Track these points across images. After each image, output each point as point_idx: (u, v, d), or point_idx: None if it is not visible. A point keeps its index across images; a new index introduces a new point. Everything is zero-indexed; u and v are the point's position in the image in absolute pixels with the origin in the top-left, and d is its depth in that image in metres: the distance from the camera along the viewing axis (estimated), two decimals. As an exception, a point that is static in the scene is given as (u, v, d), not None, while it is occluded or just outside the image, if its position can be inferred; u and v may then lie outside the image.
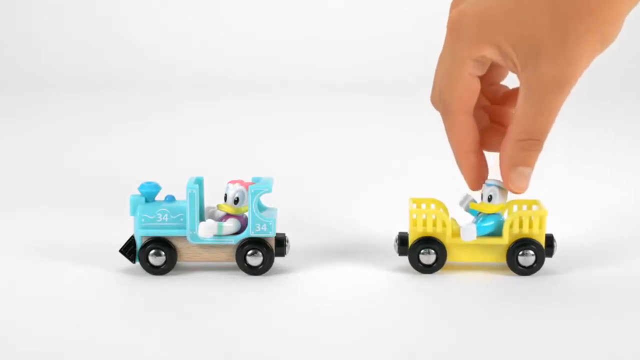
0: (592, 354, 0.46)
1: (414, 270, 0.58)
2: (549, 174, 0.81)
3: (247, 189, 0.57)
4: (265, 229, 0.57)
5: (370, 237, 0.65)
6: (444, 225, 0.57)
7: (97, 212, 0.72)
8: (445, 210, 0.59)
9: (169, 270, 0.58)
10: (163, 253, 0.57)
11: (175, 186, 0.60)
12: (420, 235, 0.57)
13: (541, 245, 0.57)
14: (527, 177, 0.54)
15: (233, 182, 0.58)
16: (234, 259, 0.58)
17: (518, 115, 0.53)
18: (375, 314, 0.52)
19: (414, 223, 0.57)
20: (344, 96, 1.40)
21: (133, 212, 0.57)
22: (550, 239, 0.57)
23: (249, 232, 0.57)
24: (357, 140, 1.08)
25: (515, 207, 0.59)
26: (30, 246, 0.63)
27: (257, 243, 0.57)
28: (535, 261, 0.57)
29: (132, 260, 0.58)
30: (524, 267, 0.57)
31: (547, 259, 0.58)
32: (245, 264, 0.57)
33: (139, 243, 0.58)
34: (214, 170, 0.68)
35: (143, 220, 0.57)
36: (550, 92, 0.51)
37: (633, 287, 0.56)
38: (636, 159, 0.98)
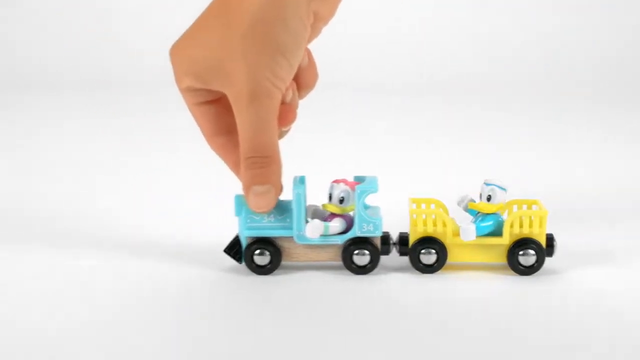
0: (591, 352, 0.47)
1: (415, 270, 0.58)
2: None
3: (352, 189, 0.57)
4: (372, 228, 0.57)
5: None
6: (444, 225, 0.58)
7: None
8: (445, 210, 0.60)
9: (273, 270, 0.58)
10: (268, 253, 0.57)
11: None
12: (420, 235, 0.58)
13: (542, 245, 0.58)
14: (266, 196, 0.55)
15: (337, 181, 0.58)
16: (339, 258, 0.58)
17: (239, 135, 0.54)
18: (377, 314, 0.52)
19: (414, 223, 0.58)
20: (343, 95, 1.40)
21: (238, 212, 0.57)
22: (550, 239, 0.58)
23: (355, 232, 0.57)
24: (357, 140, 1.08)
25: (515, 207, 0.60)
26: (130, 246, 0.63)
27: (363, 242, 0.57)
28: (536, 261, 0.58)
29: (239, 260, 0.58)
30: (524, 266, 0.58)
31: (547, 259, 0.58)
32: (353, 264, 0.57)
33: (244, 243, 0.57)
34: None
35: (249, 220, 0.57)
36: (249, 106, 0.53)
37: (633, 286, 0.57)
38: (633, 158, 0.99)
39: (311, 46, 0.57)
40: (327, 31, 0.58)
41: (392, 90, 1.47)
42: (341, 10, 0.57)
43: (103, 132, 1.14)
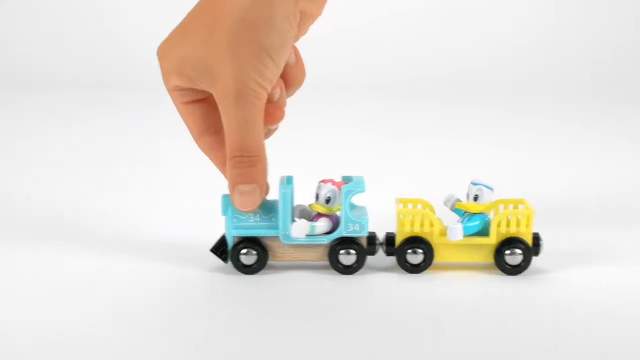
0: (579, 351, 0.47)
1: (402, 271, 0.58)
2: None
3: (339, 189, 0.57)
4: (358, 228, 0.57)
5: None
6: (431, 225, 0.58)
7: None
8: (432, 210, 0.60)
9: (260, 270, 0.58)
10: (254, 252, 0.57)
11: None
12: (407, 236, 0.58)
13: (529, 245, 0.58)
14: (251, 195, 0.55)
15: (325, 181, 0.58)
16: (326, 258, 0.58)
17: (225, 134, 0.54)
18: (363, 314, 0.52)
19: (401, 223, 0.58)
20: (329, 94, 1.40)
21: (225, 212, 0.57)
22: (536, 238, 0.58)
23: (341, 232, 0.57)
24: (346, 140, 1.08)
25: (502, 207, 0.60)
26: (118, 246, 0.63)
27: (349, 242, 0.57)
28: (523, 260, 0.58)
29: (225, 260, 0.58)
30: (511, 266, 0.58)
31: (533, 258, 0.58)
32: (339, 264, 0.57)
33: (230, 243, 0.57)
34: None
35: (235, 220, 0.57)
36: (234, 105, 0.53)
37: (619, 284, 0.57)
38: (620, 157, 0.99)
39: (300, 44, 0.57)
40: (314, 29, 0.58)
41: (380, 89, 1.47)
42: (329, 7, 0.57)
43: (92, 132, 1.14)
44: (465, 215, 0.59)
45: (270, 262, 0.58)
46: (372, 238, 0.58)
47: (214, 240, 0.59)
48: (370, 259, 0.59)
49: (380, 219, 0.60)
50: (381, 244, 0.59)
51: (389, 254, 0.59)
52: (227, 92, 0.53)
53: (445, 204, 0.60)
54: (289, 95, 0.59)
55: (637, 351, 0.47)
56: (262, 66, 0.53)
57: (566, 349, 0.47)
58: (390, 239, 0.59)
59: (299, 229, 0.57)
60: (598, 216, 0.72)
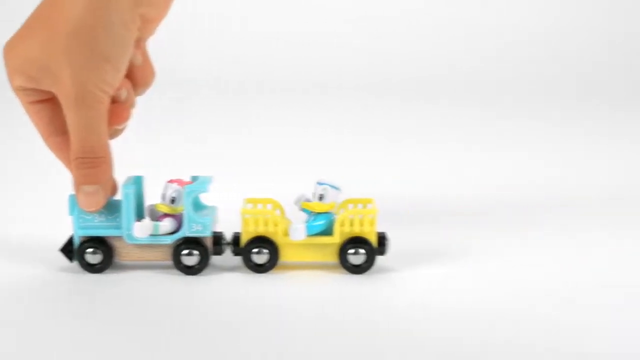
0: (421, 352, 0.47)
1: (248, 270, 0.58)
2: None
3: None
4: (200, 228, 0.57)
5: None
6: (275, 224, 0.58)
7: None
8: (282, 210, 0.60)
9: (105, 269, 0.58)
10: (100, 251, 0.58)
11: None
12: (252, 235, 0.58)
13: (372, 244, 0.57)
14: (95, 196, 0.56)
15: (171, 181, 0.58)
16: (170, 258, 0.58)
17: (70, 135, 0.55)
18: (204, 314, 0.52)
19: (246, 223, 0.58)
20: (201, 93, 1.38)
21: (72, 211, 0.58)
22: (382, 237, 0.58)
23: (185, 232, 0.57)
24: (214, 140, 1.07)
25: (350, 206, 0.60)
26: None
27: (193, 242, 0.58)
28: (367, 260, 0.57)
29: (70, 259, 0.58)
30: (355, 265, 0.58)
31: (381, 257, 0.58)
32: (181, 264, 0.58)
33: (77, 242, 0.58)
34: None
35: (81, 220, 0.58)
36: (75, 108, 0.54)
37: (460, 286, 0.57)
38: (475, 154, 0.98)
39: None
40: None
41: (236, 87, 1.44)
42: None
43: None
44: (312, 214, 0.59)
45: (120, 262, 0.59)
46: (217, 238, 0.58)
47: (63, 239, 0.59)
48: (218, 259, 0.60)
49: (237, 219, 0.60)
50: (228, 244, 0.59)
51: (236, 253, 0.59)
52: (68, 95, 0.54)
53: (295, 203, 0.60)
54: (139, 94, 0.59)
55: (463, 350, 0.48)
56: (101, 71, 0.53)
57: (408, 348, 0.47)
58: (237, 238, 0.59)
59: (142, 229, 0.57)
60: (460, 216, 0.72)
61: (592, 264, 0.61)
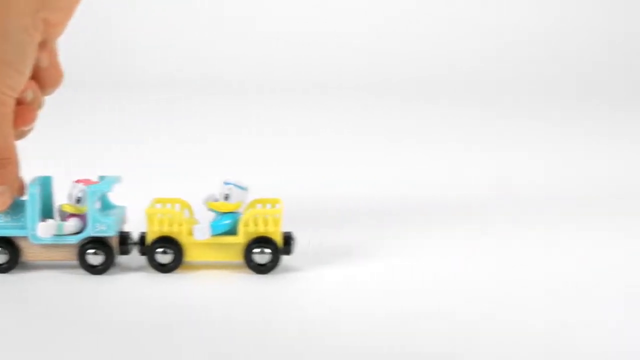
0: (323, 352, 0.47)
1: (153, 270, 0.58)
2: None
3: (91, 189, 0.58)
4: (105, 228, 0.57)
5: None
6: (180, 224, 0.58)
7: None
8: (191, 210, 0.60)
9: (12, 269, 0.58)
10: (6, 252, 0.58)
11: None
12: (157, 235, 0.58)
13: (276, 243, 0.57)
14: (1, 196, 0.56)
15: (78, 181, 0.59)
16: (76, 257, 0.58)
17: None
18: (107, 314, 0.52)
19: (150, 222, 0.58)
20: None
21: (-21, 212, 0.58)
22: (288, 237, 0.58)
23: (89, 232, 0.58)
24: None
25: (259, 206, 0.60)
26: None
27: (98, 242, 0.58)
28: (271, 259, 0.57)
29: (-24, 258, 0.58)
30: (260, 264, 0.58)
31: (287, 257, 0.58)
32: (86, 263, 0.58)
33: (-16, 242, 0.58)
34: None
35: (-13, 220, 0.58)
36: None
37: (368, 287, 0.57)
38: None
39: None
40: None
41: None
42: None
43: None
44: (218, 214, 0.58)
45: (27, 262, 0.59)
46: (124, 237, 0.59)
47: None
48: (125, 259, 0.60)
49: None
50: (135, 244, 0.59)
51: (142, 253, 0.59)
52: None
53: (203, 203, 0.60)
54: (46, 95, 0.60)
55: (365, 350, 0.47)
56: (2, 75, 0.54)
57: (297, 349, 0.47)
58: (143, 238, 0.59)
59: (45, 229, 0.57)
60: (460, 216, 0.72)
61: (592, 265, 0.61)
